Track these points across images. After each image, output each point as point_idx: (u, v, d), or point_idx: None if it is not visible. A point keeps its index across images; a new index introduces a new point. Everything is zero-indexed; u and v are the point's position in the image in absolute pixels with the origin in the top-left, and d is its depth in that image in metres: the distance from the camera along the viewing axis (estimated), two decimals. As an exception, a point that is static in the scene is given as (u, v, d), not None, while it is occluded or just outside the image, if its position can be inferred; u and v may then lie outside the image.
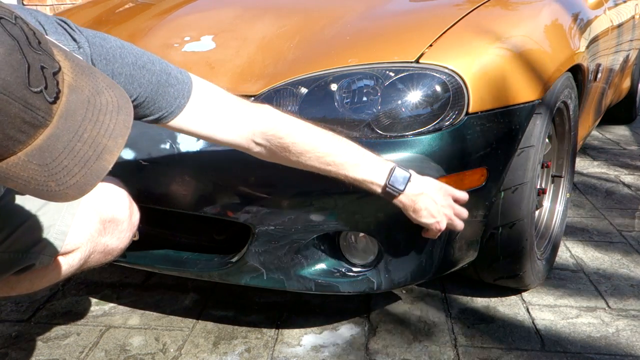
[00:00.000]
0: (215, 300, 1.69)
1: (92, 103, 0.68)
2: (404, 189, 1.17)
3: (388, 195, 1.18)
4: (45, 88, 0.64)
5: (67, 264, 1.17)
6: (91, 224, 1.16)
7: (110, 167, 0.70)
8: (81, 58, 0.81)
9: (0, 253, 1.10)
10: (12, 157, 0.63)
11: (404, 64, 1.31)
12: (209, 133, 1.10)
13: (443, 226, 1.23)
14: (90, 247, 1.17)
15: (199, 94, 1.08)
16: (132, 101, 0.99)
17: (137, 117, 1.04)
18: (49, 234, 1.12)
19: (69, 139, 0.66)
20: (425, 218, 1.21)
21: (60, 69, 0.67)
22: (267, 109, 1.14)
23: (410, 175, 1.18)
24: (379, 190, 1.17)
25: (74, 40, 0.94)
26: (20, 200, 1.15)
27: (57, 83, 0.65)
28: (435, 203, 1.21)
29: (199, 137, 1.12)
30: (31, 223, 1.13)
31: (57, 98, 0.65)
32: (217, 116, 1.09)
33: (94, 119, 0.68)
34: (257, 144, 1.14)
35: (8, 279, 1.15)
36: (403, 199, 1.19)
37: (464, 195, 1.26)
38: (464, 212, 1.27)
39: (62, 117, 0.65)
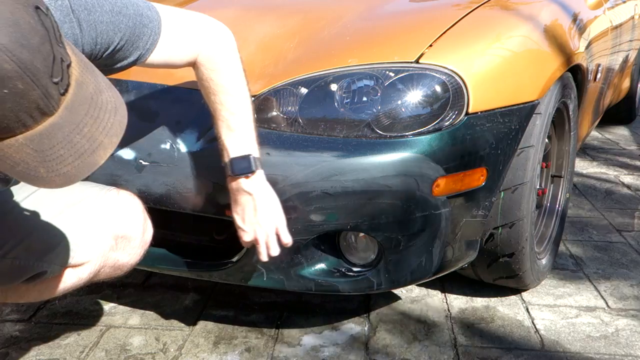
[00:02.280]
0: (215, 300, 1.69)
1: (94, 100, 0.70)
2: (237, 175, 1.18)
3: (225, 169, 1.19)
4: (61, 80, 0.66)
5: (77, 276, 1.18)
6: (103, 239, 1.16)
7: (101, 163, 0.71)
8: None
9: (11, 259, 1.10)
10: (10, 138, 0.64)
11: (404, 64, 1.31)
12: (173, 61, 1.14)
13: (246, 239, 1.22)
14: (101, 262, 1.18)
15: (165, 25, 1.10)
16: (115, 46, 1.02)
17: (117, 63, 1.06)
18: (61, 243, 1.13)
19: (70, 131, 0.67)
20: (237, 217, 1.21)
21: (71, 62, 0.69)
22: (214, 41, 1.17)
23: (255, 172, 1.18)
24: (226, 160, 1.19)
25: None
26: (34, 207, 1.15)
27: (69, 76, 0.67)
28: (255, 214, 1.20)
29: (163, 67, 1.14)
30: (45, 231, 1.13)
31: (66, 90, 0.67)
32: (180, 44, 1.13)
33: (94, 115, 0.69)
34: (194, 69, 1.18)
35: (18, 286, 1.15)
36: (232, 183, 1.20)
37: (287, 240, 1.23)
38: (275, 250, 1.22)
39: (67, 108, 0.67)
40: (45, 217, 1.15)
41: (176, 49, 1.13)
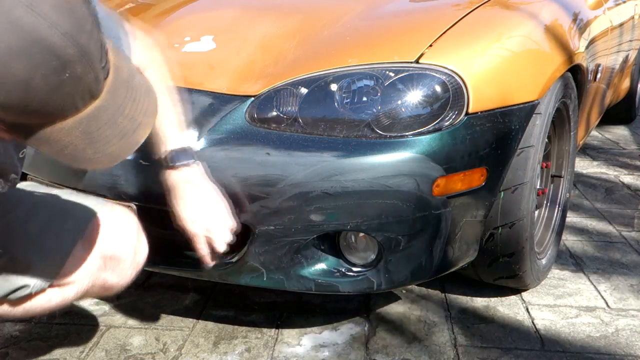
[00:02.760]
0: (215, 300, 1.69)
1: (130, 83, 0.73)
2: (176, 166, 1.17)
3: (164, 161, 1.18)
4: (106, 64, 0.69)
5: (62, 296, 1.14)
6: (91, 259, 1.12)
7: (142, 141, 0.76)
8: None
9: None
10: (62, 121, 0.67)
11: (404, 64, 1.31)
12: None
13: (194, 230, 1.19)
14: (89, 282, 1.14)
15: None
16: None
17: None
18: (47, 259, 1.10)
19: (114, 112, 0.70)
20: (179, 209, 1.18)
21: (108, 49, 0.72)
22: (143, 42, 1.18)
23: (196, 163, 1.18)
24: (163, 150, 1.18)
25: None
26: (24, 220, 1.13)
27: (108, 61, 0.71)
28: (198, 204, 1.18)
29: None
30: (32, 245, 1.10)
31: (108, 74, 0.70)
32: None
33: (132, 97, 0.73)
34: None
35: (1, 302, 1.12)
36: (170, 177, 1.18)
37: (234, 225, 1.20)
38: (221, 247, 1.20)
39: (110, 92, 0.70)
40: (34, 229, 1.12)
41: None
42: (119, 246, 1.15)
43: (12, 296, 1.11)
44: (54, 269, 1.11)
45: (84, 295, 1.17)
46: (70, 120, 0.67)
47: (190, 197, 1.19)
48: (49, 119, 0.66)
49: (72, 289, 1.14)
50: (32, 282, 1.09)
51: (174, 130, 1.19)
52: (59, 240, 1.11)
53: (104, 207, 1.17)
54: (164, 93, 1.18)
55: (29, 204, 1.15)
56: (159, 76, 1.20)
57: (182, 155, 1.18)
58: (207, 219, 1.19)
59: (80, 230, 1.13)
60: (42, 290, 1.12)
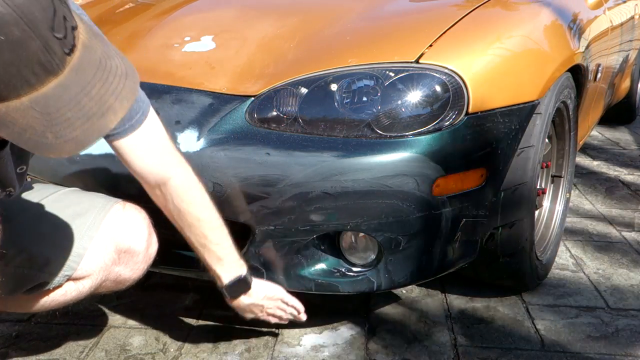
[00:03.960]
0: (215, 300, 1.69)
1: (102, 64, 0.69)
2: (236, 297, 1.29)
3: (224, 293, 1.29)
4: (65, 37, 0.64)
5: (77, 290, 1.17)
6: (106, 252, 1.16)
7: (111, 126, 0.70)
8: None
9: (15, 268, 1.10)
10: (15, 100, 0.63)
11: (404, 64, 1.31)
12: (145, 161, 1.11)
13: (267, 319, 1.37)
14: (103, 276, 1.17)
15: (153, 117, 1.09)
16: None
17: None
18: (65, 254, 1.12)
19: (77, 92, 0.66)
20: (251, 316, 1.36)
21: (77, 26, 0.68)
22: (186, 169, 1.16)
23: (250, 288, 1.28)
24: (220, 285, 1.28)
25: None
26: (39, 216, 1.15)
27: (74, 38, 0.66)
28: (262, 310, 1.34)
29: (129, 161, 1.11)
30: (48, 242, 1.13)
31: (71, 51, 0.65)
32: (159, 146, 1.12)
33: (103, 78, 0.68)
34: (161, 192, 1.16)
35: (19, 296, 1.15)
36: (234, 303, 1.32)
37: (297, 305, 1.38)
38: (292, 313, 1.38)
39: (74, 70, 0.66)
40: (49, 227, 1.14)
41: (155, 148, 1.11)
42: (132, 240, 1.18)
43: (31, 291, 1.14)
44: (72, 264, 1.13)
45: (98, 289, 1.20)
46: (25, 99, 0.63)
47: (258, 311, 1.34)
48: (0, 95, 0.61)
49: (87, 282, 1.16)
50: (52, 278, 1.12)
51: (222, 266, 1.24)
52: (76, 236, 1.14)
53: (117, 203, 1.20)
54: (208, 228, 1.19)
55: (36, 206, 1.16)
56: (202, 211, 1.19)
57: (237, 287, 1.27)
58: (267, 317, 1.37)
59: (95, 226, 1.15)
60: (60, 285, 1.15)
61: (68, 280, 1.15)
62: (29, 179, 1.26)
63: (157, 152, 1.11)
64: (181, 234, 1.20)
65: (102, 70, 0.68)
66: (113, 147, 1.08)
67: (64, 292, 1.17)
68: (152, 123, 1.09)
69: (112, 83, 0.69)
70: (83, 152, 1.34)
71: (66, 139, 0.66)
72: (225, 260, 1.23)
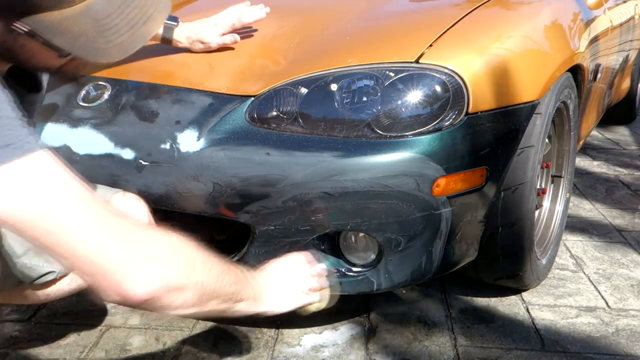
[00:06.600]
0: (215, 300, 1.69)
1: None
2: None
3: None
4: None
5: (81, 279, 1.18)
6: None
7: (152, 34, 0.80)
8: None
9: (21, 259, 1.10)
10: (68, 8, 0.71)
11: (404, 64, 1.31)
12: None
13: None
14: None
15: None
16: None
17: None
18: None
19: (121, 3, 0.75)
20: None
21: None
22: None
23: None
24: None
25: None
26: None
27: None
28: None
29: None
30: None
31: None
32: None
33: None
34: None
35: (24, 287, 1.15)
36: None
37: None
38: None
39: None
40: None
41: None
42: None
43: (38, 281, 1.14)
44: None
45: None
46: (77, 7, 0.71)
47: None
48: (56, 3, 0.70)
49: None
50: (58, 268, 1.13)
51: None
52: None
53: (117, 193, 1.21)
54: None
55: None
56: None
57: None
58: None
59: None
60: (65, 275, 1.16)
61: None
62: None
63: None
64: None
65: None
66: None
67: (69, 281, 1.17)
68: None
69: None
70: (83, 152, 1.34)
71: (114, 44, 0.75)
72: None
